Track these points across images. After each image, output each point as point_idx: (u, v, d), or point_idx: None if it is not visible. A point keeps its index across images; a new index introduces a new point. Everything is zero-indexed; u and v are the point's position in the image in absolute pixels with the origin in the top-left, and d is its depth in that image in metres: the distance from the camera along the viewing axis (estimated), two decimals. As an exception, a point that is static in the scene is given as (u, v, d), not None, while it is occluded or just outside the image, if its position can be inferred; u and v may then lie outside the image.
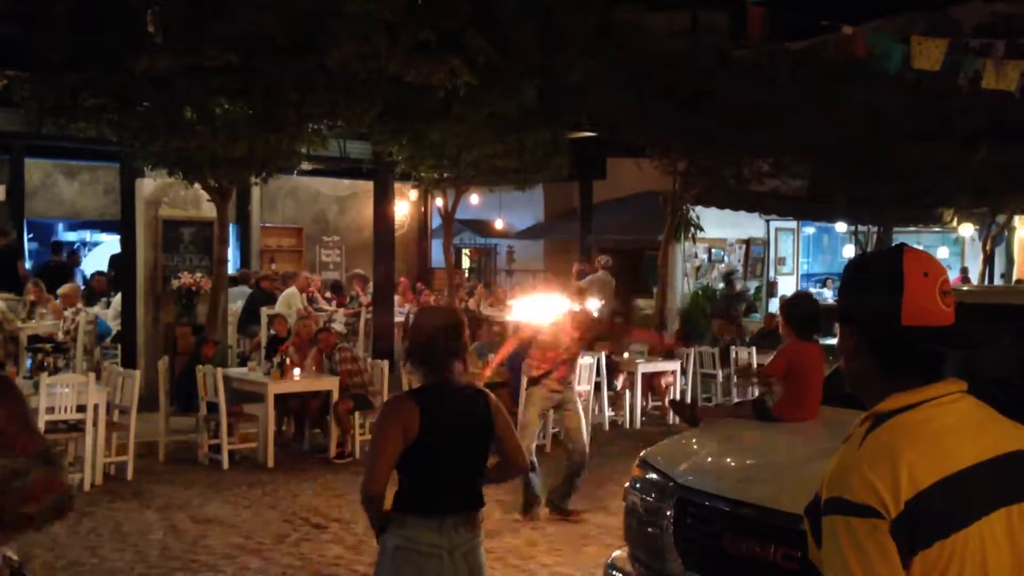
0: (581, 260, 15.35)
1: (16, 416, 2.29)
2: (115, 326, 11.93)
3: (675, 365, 11.46)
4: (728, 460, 4.30)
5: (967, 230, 17.43)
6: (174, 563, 6.06)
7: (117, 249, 14.16)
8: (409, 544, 3.18)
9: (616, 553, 4.32)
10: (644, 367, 11.17)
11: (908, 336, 1.67)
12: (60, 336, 10.90)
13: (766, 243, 18.33)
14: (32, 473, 2.19)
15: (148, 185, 11.78)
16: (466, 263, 22.29)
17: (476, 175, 12.30)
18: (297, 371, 9.07)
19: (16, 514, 2.22)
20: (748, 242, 17.95)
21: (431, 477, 3.25)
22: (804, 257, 20.00)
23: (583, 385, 10.02)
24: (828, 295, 18.97)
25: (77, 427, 7.77)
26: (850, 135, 13.16)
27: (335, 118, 10.02)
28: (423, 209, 19.36)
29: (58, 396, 7.59)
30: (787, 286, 18.11)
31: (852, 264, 1.83)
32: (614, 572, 4.12)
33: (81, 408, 7.69)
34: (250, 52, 8.65)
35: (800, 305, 5.23)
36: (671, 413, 11.01)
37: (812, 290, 18.83)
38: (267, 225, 16.65)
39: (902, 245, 1.75)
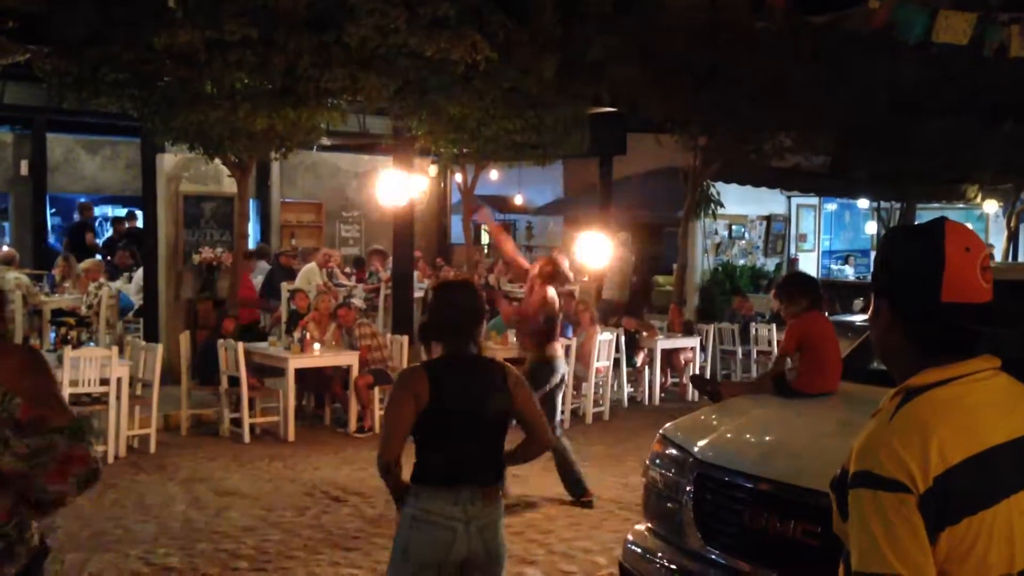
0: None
1: (46, 390, 2.31)
2: (137, 300, 12.03)
3: (694, 342, 11.43)
4: (748, 435, 4.30)
5: (991, 206, 17.23)
6: (197, 535, 6.14)
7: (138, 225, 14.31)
8: (424, 515, 3.20)
9: (636, 528, 4.33)
10: (663, 343, 11.16)
11: (947, 312, 1.64)
12: (83, 310, 11.00)
13: (787, 219, 18.21)
14: (59, 449, 2.22)
15: (169, 160, 11.83)
16: (485, 239, 22.28)
17: (495, 150, 12.26)
18: (317, 346, 9.12)
19: (44, 491, 2.25)
20: (769, 218, 17.84)
21: (444, 447, 3.26)
22: (826, 234, 19.86)
23: (602, 361, 10.03)
24: (849, 272, 18.86)
25: (100, 400, 7.86)
26: (873, 110, 13.01)
27: (354, 93, 10.00)
28: (443, 185, 19.33)
29: (82, 369, 7.68)
30: (808, 263, 18.02)
31: (890, 237, 1.80)
32: (633, 547, 4.14)
33: (104, 381, 7.77)
34: (269, 26, 8.64)
35: (794, 281, 5.33)
36: (690, 389, 11.02)
37: (833, 267, 18.74)
38: (287, 200, 16.67)
39: (943, 219, 1.70)
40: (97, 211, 20.19)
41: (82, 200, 15.95)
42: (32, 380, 2.27)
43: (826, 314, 5.32)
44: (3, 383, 2.21)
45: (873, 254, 19.55)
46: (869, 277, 17.60)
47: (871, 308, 1.75)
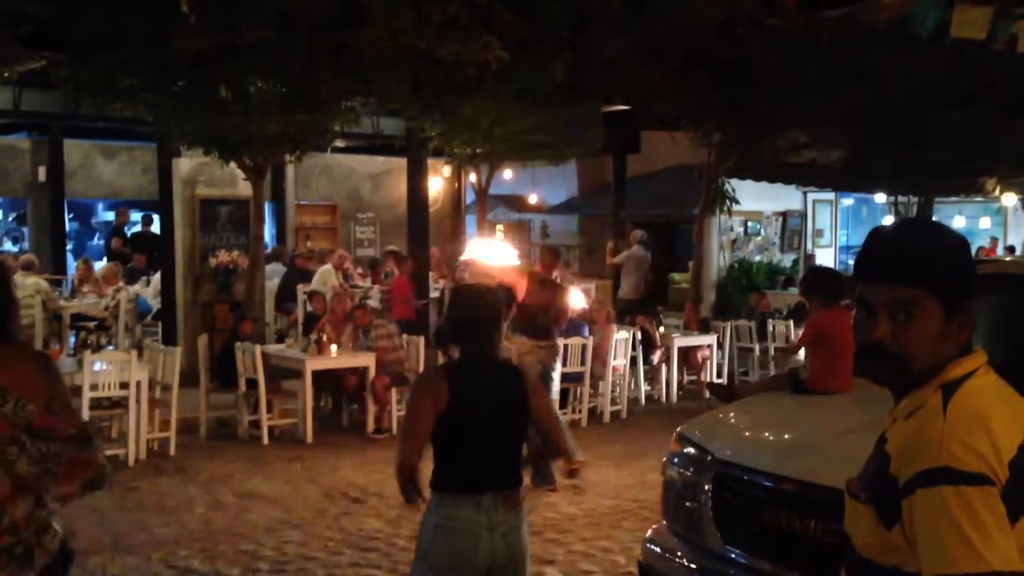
0: (615, 235, 15.23)
1: (57, 396, 2.34)
2: (155, 304, 12.11)
3: (711, 339, 11.39)
4: (766, 434, 4.28)
5: (1010, 199, 17.09)
6: (217, 536, 6.17)
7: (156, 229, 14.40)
8: (448, 522, 3.19)
9: (655, 527, 4.32)
10: (680, 341, 11.13)
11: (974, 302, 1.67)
12: (102, 314, 11.08)
13: (803, 215, 18.13)
14: (66, 455, 2.25)
15: (185, 164, 11.89)
16: (500, 238, 22.26)
17: (509, 150, 12.29)
18: (334, 347, 9.15)
19: (50, 493, 2.29)
20: (785, 214, 17.77)
21: (464, 453, 3.26)
22: (842, 229, 19.75)
23: (619, 359, 10.02)
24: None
25: (120, 404, 7.91)
26: (889, 104, 12.93)
27: (368, 95, 10.04)
28: (457, 185, 19.32)
29: (101, 373, 7.72)
30: (825, 258, 17.93)
31: (926, 230, 1.75)
32: (652, 547, 4.13)
33: (124, 385, 7.82)
34: (283, 30, 8.67)
35: (820, 274, 5.27)
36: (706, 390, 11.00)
37: (850, 262, 18.62)
38: (302, 203, 16.72)
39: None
40: (113, 216, 20.36)
41: (95, 204, 16.09)
42: (43, 386, 2.30)
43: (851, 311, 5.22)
44: (16, 389, 2.23)
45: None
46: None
47: (895, 299, 1.67)
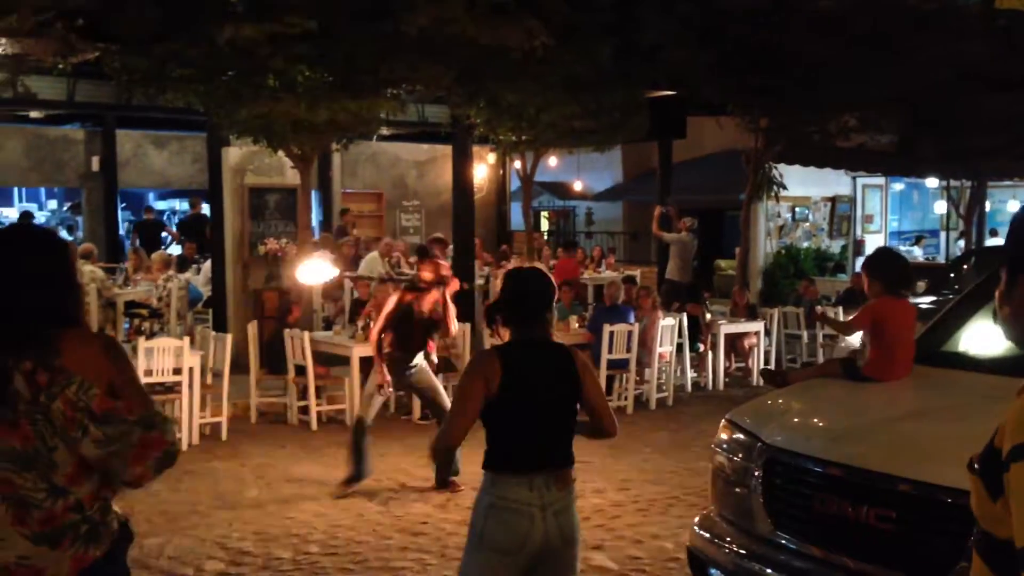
0: (667, 205, 14.77)
1: (123, 378, 2.38)
2: (206, 291, 12.30)
3: (759, 326, 11.30)
4: (817, 419, 4.25)
5: (1066, 183, 16.73)
6: (269, 519, 6.27)
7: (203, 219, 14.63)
8: (501, 502, 3.22)
9: (703, 513, 4.31)
10: (727, 328, 11.05)
11: None
12: (154, 302, 11.29)
13: (853, 200, 17.87)
14: (134, 437, 2.29)
15: (234, 154, 12.04)
16: (544, 226, 22.26)
17: (554, 137, 12.24)
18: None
19: (123, 475, 2.33)
20: (834, 200, 17.53)
21: (516, 433, 3.29)
22: (893, 214, 19.44)
23: (665, 346, 9.98)
24: (918, 253, 18.43)
25: (173, 389, 8.06)
26: (940, 86, 12.67)
27: (413, 83, 10.07)
28: (501, 172, 19.37)
29: (156, 359, 7.88)
30: (875, 244, 17.64)
31: None
32: (702, 532, 4.12)
33: (177, 371, 7.97)
34: (329, 19, 8.73)
35: (887, 257, 5.03)
36: (755, 374, 10.91)
37: (902, 248, 18.32)
38: (348, 191, 16.86)
39: None
40: (165, 205, 20.70)
41: (146, 193, 16.35)
42: (107, 368, 2.34)
43: (909, 298, 5.01)
44: (81, 372, 2.28)
45: (944, 235, 19.07)
46: (939, 258, 17.07)
47: (1016, 284, 1.72)
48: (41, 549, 2.29)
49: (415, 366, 6.91)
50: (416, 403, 9.21)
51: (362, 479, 6.82)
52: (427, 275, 6.94)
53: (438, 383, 7.15)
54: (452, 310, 7.00)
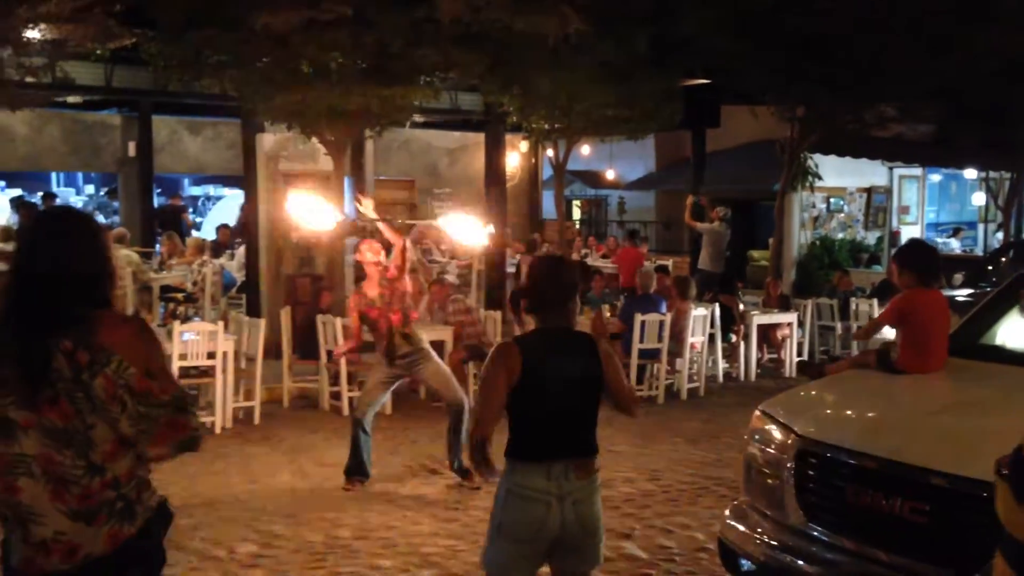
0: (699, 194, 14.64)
1: (155, 360, 2.42)
2: (240, 277, 12.40)
3: (792, 317, 11.21)
4: (850, 411, 4.21)
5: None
6: (301, 503, 6.32)
7: (236, 204, 14.75)
8: (518, 489, 3.23)
9: (734, 504, 4.30)
10: (760, 319, 10.98)
11: None
12: (189, 287, 11.40)
13: (889, 191, 17.65)
14: (163, 418, 2.33)
15: (268, 140, 12.11)
16: (576, 214, 22.22)
17: (587, 125, 12.20)
18: (412, 321, 9.23)
19: (142, 452, 2.39)
20: (870, 190, 17.33)
21: (536, 421, 3.29)
22: (930, 206, 19.18)
23: (697, 336, 9.92)
24: (956, 245, 18.17)
25: (207, 373, 8.15)
26: (979, 76, 12.46)
27: (446, 70, 10.07)
28: (534, 160, 19.33)
29: (190, 343, 7.96)
30: (911, 236, 17.45)
31: None
32: (733, 523, 4.10)
33: (211, 355, 8.05)
34: (363, 5, 8.75)
35: (918, 250, 4.97)
36: (788, 364, 10.83)
37: (939, 240, 18.08)
38: (381, 178, 16.90)
39: None
40: (199, 190, 20.86)
41: (181, 179, 16.49)
42: (143, 350, 2.38)
43: (940, 289, 4.93)
44: (119, 352, 2.32)
45: (982, 227, 18.79)
46: (977, 250, 16.79)
47: None
48: (78, 525, 2.34)
49: (415, 354, 6.77)
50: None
51: (362, 475, 6.66)
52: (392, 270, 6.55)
53: (445, 370, 6.98)
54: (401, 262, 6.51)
